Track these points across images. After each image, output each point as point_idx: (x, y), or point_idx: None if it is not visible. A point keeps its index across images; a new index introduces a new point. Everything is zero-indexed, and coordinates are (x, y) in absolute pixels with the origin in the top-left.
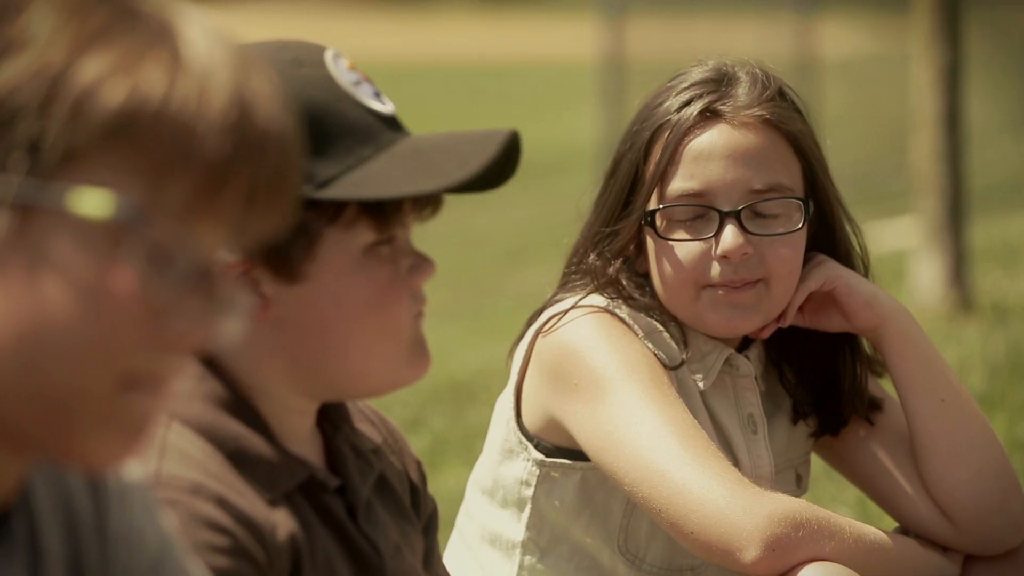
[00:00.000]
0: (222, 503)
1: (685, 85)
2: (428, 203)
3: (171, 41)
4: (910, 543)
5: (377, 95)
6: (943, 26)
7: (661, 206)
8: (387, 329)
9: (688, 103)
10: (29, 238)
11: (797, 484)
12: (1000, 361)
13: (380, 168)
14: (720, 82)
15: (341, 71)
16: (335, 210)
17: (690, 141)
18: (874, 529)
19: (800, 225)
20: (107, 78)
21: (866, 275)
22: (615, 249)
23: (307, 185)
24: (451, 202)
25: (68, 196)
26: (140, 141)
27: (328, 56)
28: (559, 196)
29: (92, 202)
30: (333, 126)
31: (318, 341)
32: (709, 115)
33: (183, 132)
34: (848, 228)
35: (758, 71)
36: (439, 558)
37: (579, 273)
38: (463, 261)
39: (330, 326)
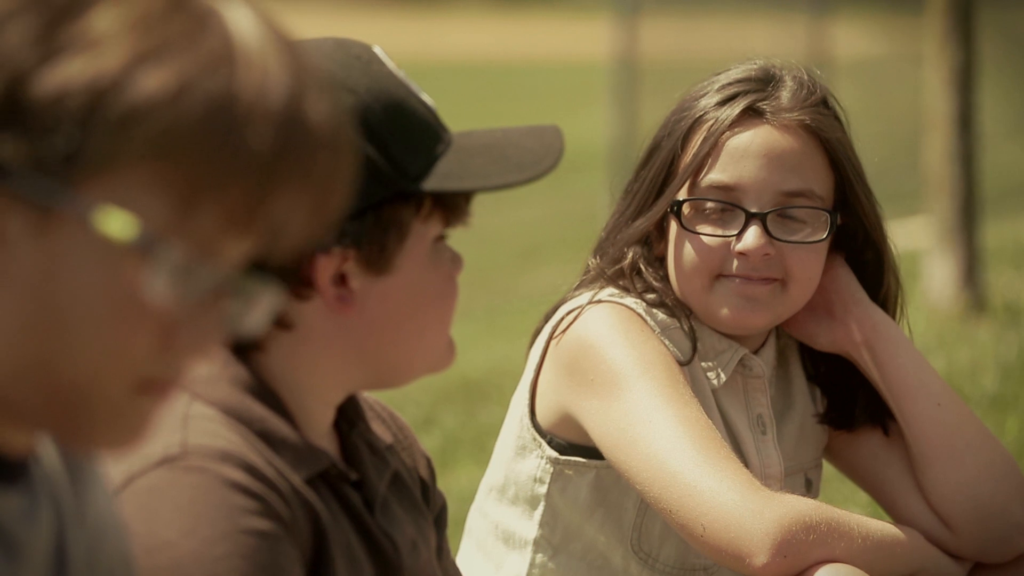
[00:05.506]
0: (251, 470)
1: (730, 80)
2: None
3: (230, 62)
4: (917, 537)
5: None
6: (956, 27)
7: (691, 197)
8: (447, 318)
9: (732, 99)
10: (49, 238)
11: (807, 489)
12: (1012, 362)
13: (459, 161)
14: (765, 82)
15: (393, 67)
16: (419, 203)
17: (730, 136)
18: (882, 524)
19: (824, 236)
20: (160, 96)
21: (892, 285)
22: (638, 232)
23: (403, 179)
24: None
25: (93, 212)
26: (181, 161)
27: (380, 52)
28: (572, 195)
29: (116, 223)
30: (412, 120)
31: (390, 331)
32: (751, 113)
33: (225, 156)
34: (884, 238)
35: (804, 76)
36: (448, 553)
37: (602, 258)
38: (476, 260)
39: (405, 316)
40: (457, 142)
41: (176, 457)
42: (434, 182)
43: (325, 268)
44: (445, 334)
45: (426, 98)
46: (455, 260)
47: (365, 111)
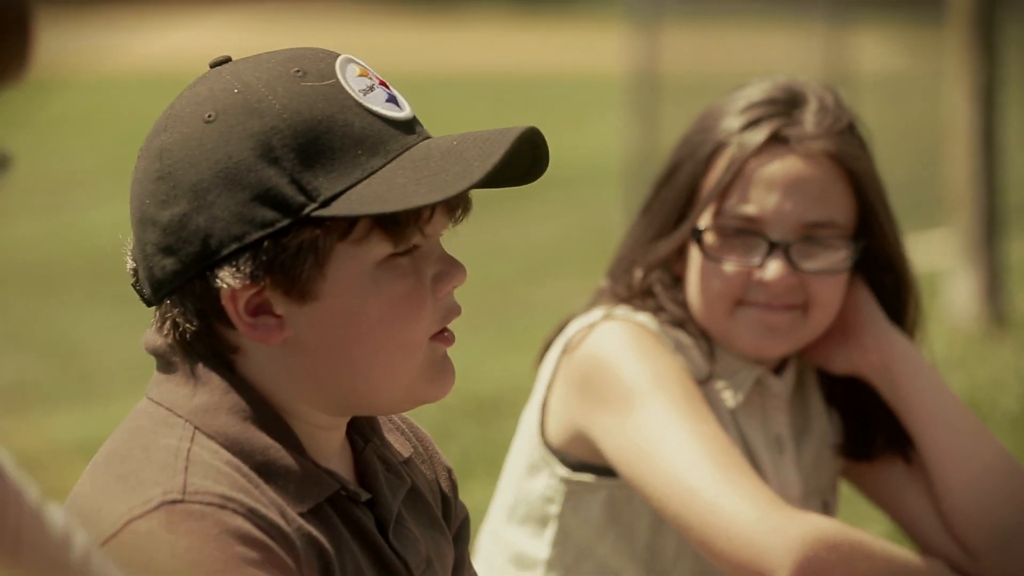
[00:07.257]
0: (252, 515)
1: (752, 102)
2: (457, 206)
3: None
4: (938, 566)
5: (392, 99)
6: (979, 41)
7: (713, 226)
8: (406, 345)
9: (755, 123)
10: None
11: (825, 511)
12: None
13: (386, 180)
14: (790, 104)
15: (350, 78)
16: (346, 226)
17: (753, 165)
18: (904, 551)
19: (846, 266)
20: None
21: (913, 309)
22: (658, 258)
23: (310, 204)
24: (476, 214)
25: None
26: None
27: (338, 64)
28: (586, 209)
29: None
30: (337, 139)
31: (336, 360)
32: (776, 141)
33: None
34: (905, 264)
35: (830, 98)
36: (470, 566)
37: (618, 279)
38: (488, 274)
39: (347, 344)
40: (414, 152)
41: (175, 502)
42: (340, 207)
43: (231, 300)
44: (411, 361)
45: (378, 107)
46: (441, 276)
47: (270, 134)
